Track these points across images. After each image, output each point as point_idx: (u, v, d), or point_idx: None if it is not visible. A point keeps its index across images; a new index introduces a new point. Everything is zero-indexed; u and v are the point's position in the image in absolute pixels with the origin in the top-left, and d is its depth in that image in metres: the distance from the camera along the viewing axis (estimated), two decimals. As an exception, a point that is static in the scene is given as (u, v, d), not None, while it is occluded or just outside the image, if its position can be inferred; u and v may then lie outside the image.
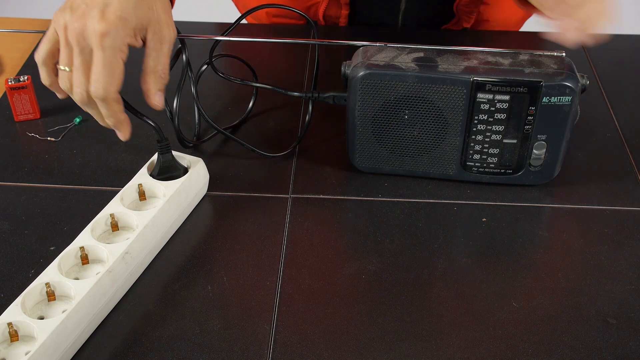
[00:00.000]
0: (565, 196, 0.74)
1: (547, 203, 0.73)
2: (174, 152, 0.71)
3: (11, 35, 0.99)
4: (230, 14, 1.12)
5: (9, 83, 0.80)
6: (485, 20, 1.02)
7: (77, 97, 0.63)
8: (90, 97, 0.62)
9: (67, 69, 0.62)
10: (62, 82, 0.63)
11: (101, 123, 0.66)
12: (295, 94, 0.76)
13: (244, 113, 0.83)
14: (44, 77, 0.65)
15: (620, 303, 0.63)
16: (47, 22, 1.01)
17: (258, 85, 0.79)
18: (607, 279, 0.65)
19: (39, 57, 0.64)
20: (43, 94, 0.86)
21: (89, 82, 0.61)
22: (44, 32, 0.96)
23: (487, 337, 0.60)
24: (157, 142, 0.68)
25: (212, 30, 1.03)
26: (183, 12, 1.08)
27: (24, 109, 0.82)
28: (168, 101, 0.71)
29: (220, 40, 0.78)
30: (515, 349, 0.59)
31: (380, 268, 0.66)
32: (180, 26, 0.99)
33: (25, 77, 0.81)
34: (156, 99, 0.65)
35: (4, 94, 0.86)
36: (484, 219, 0.71)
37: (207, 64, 0.79)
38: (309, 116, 0.79)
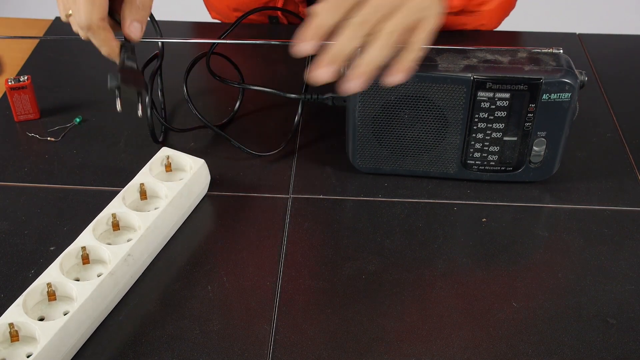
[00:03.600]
0: (565, 196, 0.74)
1: (547, 203, 0.73)
2: (177, 152, 0.71)
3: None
4: (196, 12, 1.12)
5: (9, 83, 0.80)
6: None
7: (73, 27, 0.65)
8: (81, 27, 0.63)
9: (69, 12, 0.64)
10: (73, 26, 0.65)
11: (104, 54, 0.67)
12: (293, 96, 0.76)
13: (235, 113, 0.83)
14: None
15: (620, 303, 0.63)
16: (48, 22, 1.01)
17: (255, 88, 0.78)
18: (607, 279, 0.65)
19: (60, 10, 0.66)
20: (43, 94, 0.86)
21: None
22: (40, 38, 0.96)
23: (487, 337, 0.60)
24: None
25: (192, 31, 1.03)
26: (170, 12, 1.08)
27: (24, 109, 0.82)
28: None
29: (218, 43, 0.78)
30: (515, 349, 0.59)
31: (380, 268, 0.66)
32: (172, 27, 1.00)
33: (25, 77, 0.81)
34: (132, 29, 0.65)
35: (4, 94, 0.86)
36: (484, 219, 0.71)
37: (193, 64, 0.79)
38: (298, 117, 0.78)
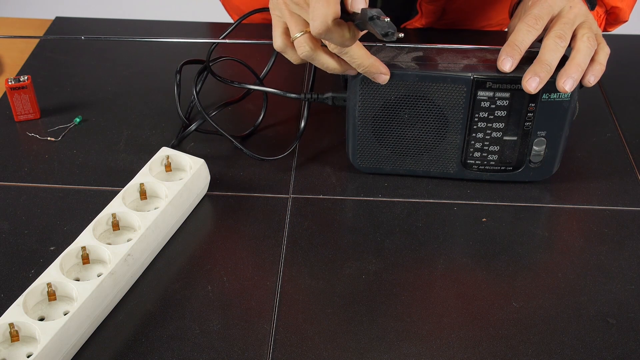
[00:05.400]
0: (565, 196, 0.74)
1: (547, 203, 0.73)
2: (177, 152, 0.71)
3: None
4: (214, 13, 1.12)
5: (9, 83, 0.80)
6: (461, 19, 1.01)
7: (304, 53, 0.63)
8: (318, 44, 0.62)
9: (298, 34, 0.63)
10: (300, 49, 0.63)
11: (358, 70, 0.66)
12: (293, 95, 0.76)
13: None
14: (295, 59, 0.67)
15: (620, 303, 0.63)
16: (48, 22, 1.01)
17: (255, 88, 0.78)
18: (607, 279, 0.65)
19: (278, 45, 0.66)
20: (43, 94, 0.86)
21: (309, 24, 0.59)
22: (40, 37, 0.96)
23: (487, 337, 0.60)
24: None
25: (205, 31, 1.03)
26: (170, 12, 1.08)
27: (24, 109, 0.82)
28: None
29: (219, 42, 0.77)
30: (515, 349, 0.59)
31: (380, 268, 0.66)
32: (172, 27, 1.00)
33: (25, 77, 0.81)
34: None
35: (4, 94, 0.86)
36: (484, 219, 0.71)
37: (205, 67, 0.78)
38: (305, 121, 0.77)
